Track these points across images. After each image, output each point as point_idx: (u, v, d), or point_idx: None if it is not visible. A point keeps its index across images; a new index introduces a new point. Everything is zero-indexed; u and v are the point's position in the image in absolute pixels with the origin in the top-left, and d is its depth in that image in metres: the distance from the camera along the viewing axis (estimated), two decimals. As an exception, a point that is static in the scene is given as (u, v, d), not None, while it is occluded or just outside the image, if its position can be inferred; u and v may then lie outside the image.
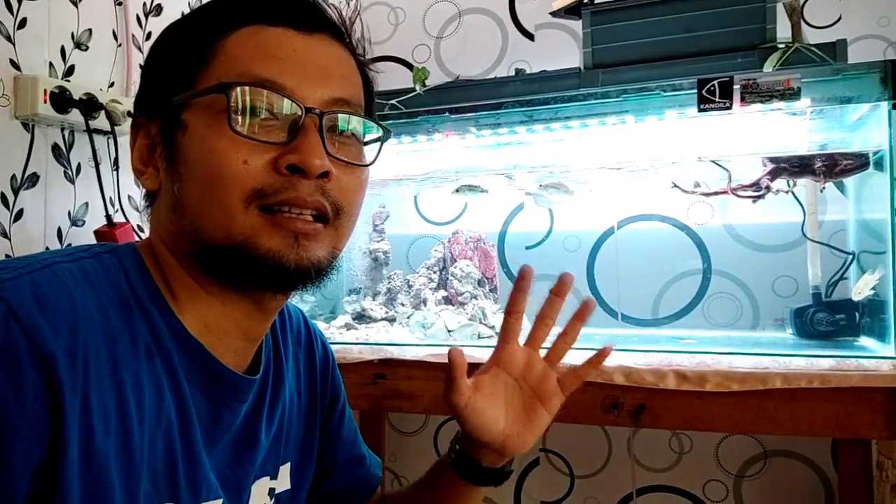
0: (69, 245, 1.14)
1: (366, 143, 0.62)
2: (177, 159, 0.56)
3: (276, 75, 0.55)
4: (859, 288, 1.22)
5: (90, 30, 1.19)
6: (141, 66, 0.64)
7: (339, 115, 0.59)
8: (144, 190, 0.61)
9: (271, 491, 0.68)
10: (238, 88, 0.54)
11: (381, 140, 0.63)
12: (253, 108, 0.54)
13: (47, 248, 1.11)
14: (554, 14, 1.46)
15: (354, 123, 0.60)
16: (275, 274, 0.55)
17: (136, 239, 1.12)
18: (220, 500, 0.59)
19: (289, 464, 0.71)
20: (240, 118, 0.54)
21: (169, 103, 0.56)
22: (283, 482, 0.70)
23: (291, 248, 0.55)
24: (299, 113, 0.55)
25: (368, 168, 0.62)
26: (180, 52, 0.58)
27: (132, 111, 0.62)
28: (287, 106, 0.55)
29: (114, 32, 1.25)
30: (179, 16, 0.65)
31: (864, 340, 1.22)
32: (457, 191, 1.51)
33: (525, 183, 1.53)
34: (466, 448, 0.72)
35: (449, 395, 0.68)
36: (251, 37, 0.56)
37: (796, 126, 1.27)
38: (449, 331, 1.36)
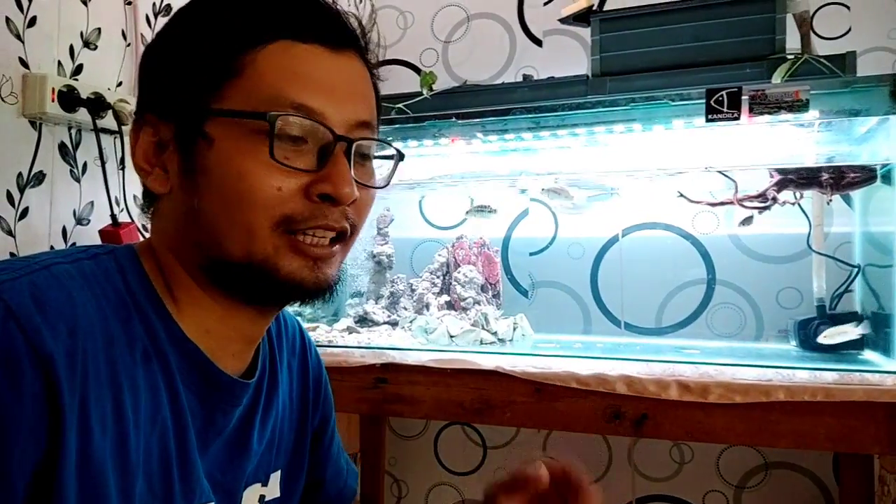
0: (73, 244, 1.15)
1: (374, 158, 0.63)
2: (197, 170, 0.55)
3: (309, 99, 0.55)
4: (832, 334, 1.22)
5: (99, 29, 1.19)
6: (147, 58, 0.62)
7: (366, 143, 0.60)
8: (144, 188, 0.60)
9: (261, 498, 0.67)
10: (283, 117, 0.53)
11: (395, 161, 0.65)
12: (290, 135, 0.54)
13: (52, 247, 1.11)
14: (563, 21, 1.46)
15: (375, 147, 0.62)
16: (293, 294, 0.57)
17: (141, 239, 1.12)
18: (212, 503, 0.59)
19: (279, 472, 0.70)
20: (280, 145, 0.54)
21: (188, 109, 0.55)
22: (273, 490, 0.69)
23: (311, 272, 0.56)
24: (331, 139, 0.56)
25: None
26: (201, 56, 0.56)
27: (136, 105, 0.61)
28: (320, 132, 0.55)
29: (123, 32, 1.25)
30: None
31: (869, 354, 1.21)
32: (468, 213, 1.54)
33: (533, 190, 1.53)
34: None
35: (501, 497, 0.63)
36: (283, 54, 0.55)
37: (804, 138, 1.26)
38: (451, 336, 1.35)
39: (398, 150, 0.64)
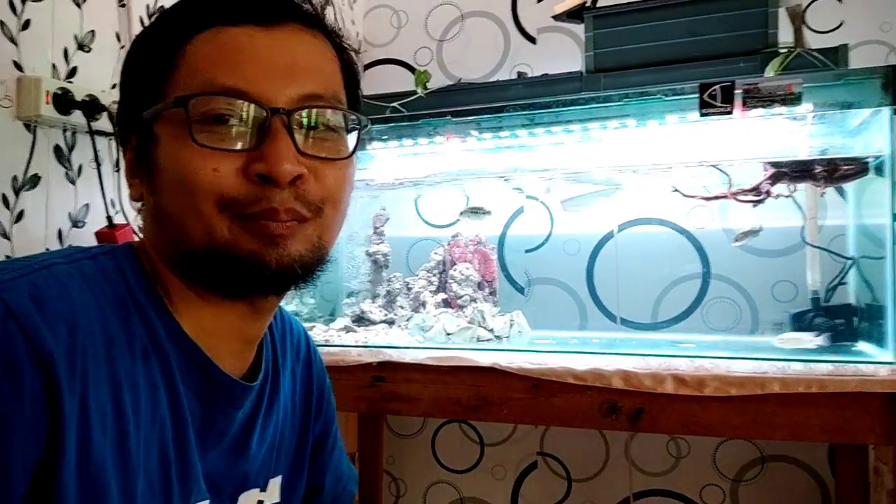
0: (70, 246, 1.15)
1: (349, 132, 0.60)
2: (152, 171, 0.56)
3: (238, 80, 0.53)
4: (787, 339, 1.24)
5: (93, 31, 1.19)
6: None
7: (310, 111, 0.56)
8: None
9: (259, 503, 0.67)
10: (194, 100, 0.53)
11: (360, 129, 0.61)
12: (217, 117, 0.53)
13: (48, 250, 1.11)
14: (556, 17, 1.46)
15: (330, 116, 0.58)
16: (257, 276, 0.55)
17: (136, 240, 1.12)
18: (207, 502, 0.59)
19: (280, 477, 0.70)
20: (205, 129, 0.53)
21: (141, 116, 0.56)
22: (272, 495, 0.69)
23: (269, 248, 0.54)
24: (265, 116, 0.54)
25: (353, 159, 0.61)
26: (147, 64, 0.57)
27: (118, 126, 0.63)
28: (252, 110, 0.54)
29: (117, 34, 1.25)
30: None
31: (863, 345, 1.22)
32: (462, 214, 1.54)
33: (528, 188, 1.54)
34: None
35: None
36: (210, 41, 0.55)
37: (797, 131, 1.27)
38: (448, 334, 1.36)
39: (360, 117, 0.61)
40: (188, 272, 0.56)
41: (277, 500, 0.70)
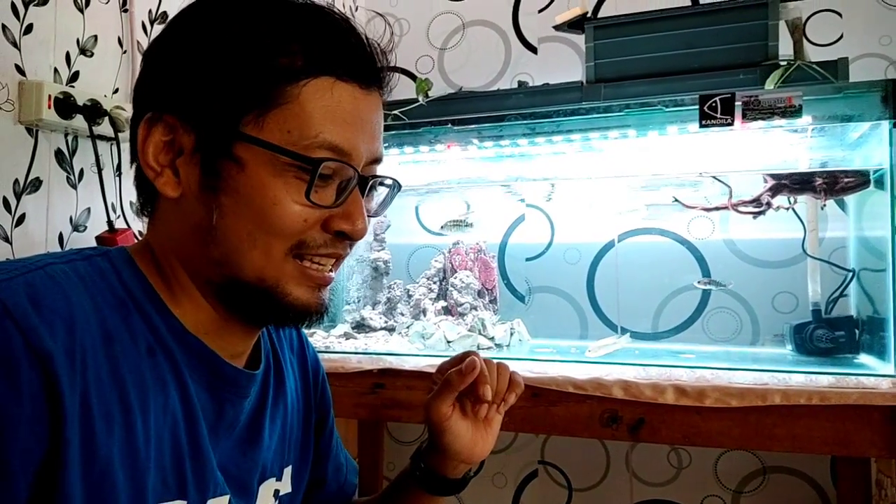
0: (64, 249, 1.14)
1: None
2: (220, 188, 0.55)
3: (343, 140, 0.56)
4: (595, 348, 1.27)
5: (95, 36, 1.20)
6: (174, 54, 0.57)
7: (376, 179, 0.62)
8: (141, 186, 0.59)
9: (276, 493, 0.68)
10: (326, 164, 0.55)
11: (392, 190, 0.66)
12: (323, 176, 0.56)
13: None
14: (557, 28, 1.47)
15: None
16: (300, 318, 0.59)
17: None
18: (227, 497, 0.59)
19: (290, 467, 0.71)
20: (317, 187, 0.55)
21: (221, 126, 0.54)
22: (286, 484, 0.70)
23: (316, 298, 0.59)
24: (352, 176, 0.58)
25: None
26: (243, 79, 0.54)
27: (142, 100, 0.58)
28: (347, 171, 0.57)
29: (119, 39, 1.25)
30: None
31: (864, 358, 1.22)
32: (443, 228, 1.55)
33: (529, 196, 1.54)
34: (432, 463, 0.76)
35: (437, 405, 0.72)
36: (325, 92, 0.55)
37: (797, 143, 1.27)
38: (448, 341, 1.35)
39: (396, 181, 0.66)
40: (226, 297, 0.58)
41: (290, 489, 0.71)
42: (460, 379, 0.70)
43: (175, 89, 0.56)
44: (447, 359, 0.76)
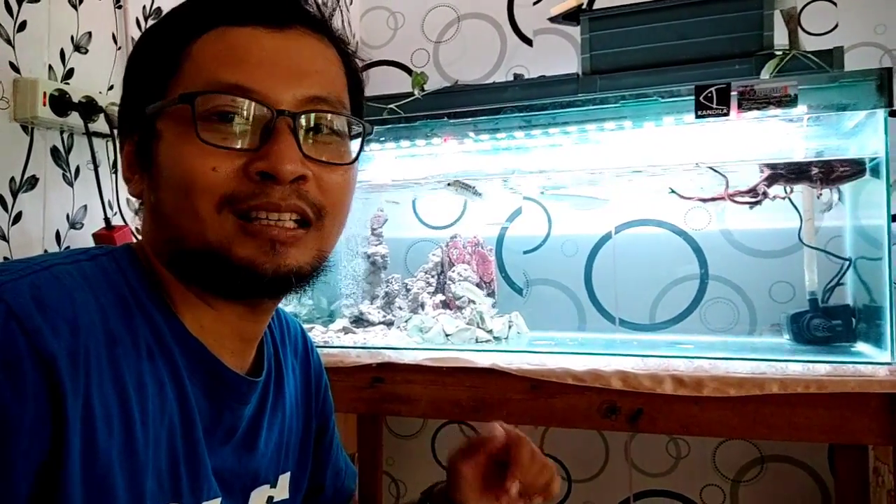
0: (68, 248, 1.14)
1: (352, 138, 0.61)
2: (152, 168, 0.56)
3: (243, 79, 0.54)
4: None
5: (90, 33, 1.19)
6: (124, 78, 0.62)
7: (315, 115, 0.57)
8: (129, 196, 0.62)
9: (270, 499, 0.67)
10: (201, 97, 0.53)
11: (363, 136, 0.61)
12: (221, 115, 0.53)
13: (45, 251, 1.11)
14: (552, 20, 1.46)
15: (334, 121, 0.58)
16: (251, 282, 0.54)
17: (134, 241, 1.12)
18: (219, 500, 0.58)
19: (288, 473, 0.70)
20: (208, 126, 0.53)
21: (144, 113, 0.56)
22: (281, 491, 0.69)
23: (267, 256, 0.54)
24: (270, 116, 0.54)
25: (355, 165, 0.61)
26: (152, 61, 0.57)
27: (118, 120, 0.63)
28: (256, 109, 0.54)
29: (113, 35, 1.25)
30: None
31: (861, 346, 1.23)
32: (449, 184, 1.47)
33: (526, 189, 1.54)
34: None
35: (463, 463, 0.69)
36: (217, 41, 0.55)
37: (793, 133, 1.27)
38: (446, 335, 1.36)
39: (363, 123, 0.61)
40: (183, 272, 0.56)
41: (287, 496, 0.70)
42: (491, 445, 0.67)
43: (126, 102, 0.60)
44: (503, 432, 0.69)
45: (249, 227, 0.53)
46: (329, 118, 0.58)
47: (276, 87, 0.54)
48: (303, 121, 0.56)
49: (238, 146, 0.54)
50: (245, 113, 0.54)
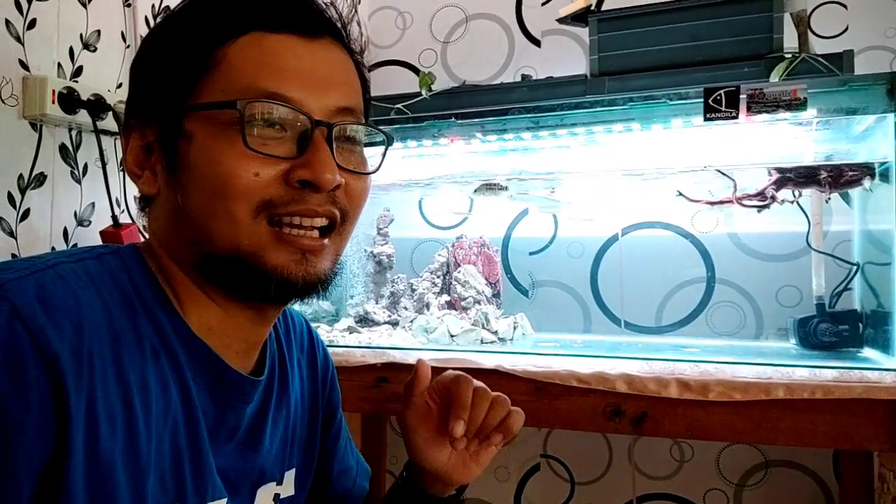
0: (75, 245, 1.15)
1: (366, 146, 0.63)
2: (179, 167, 0.56)
3: (283, 88, 0.55)
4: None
5: (99, 31, 1.20)
6: (133, 66, 0.62)
7: (348, 126, 0.59)
8: (139, 193, 0.61)
9: (276, 497, 0.68)
10: (251, 104, 0.53)
11: (385, 146, 0.64)
12: (264, 122, 0.54)
13: (53, 248, 1.11)
14: (561, 21, 1.46)
15: (360, 131, 0.61)
16: (282, 289, 0.56)
17: (142, 239, 1.12)
18: (224, 500, 0.59)
19: (294, 470, 0.71)
20: (254, 133, 0.54)
21: (167, 109, 0.56)
22: (287, 488, 0.70)
23: (299, 265, 0.56)
24: (309, 126, 0.55)
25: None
26: (177, 57, 0.57)
27: (126, 114, 0.62)
28: (297, 119, 0.55)
29: (122, 34, 1.25)
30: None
31: (868, 352, 1.22)
32: (476, 191, 1.49)
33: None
34: (413, 474, 0.74)
35: (404, 413, 0.71)
36: (254, 46, 0.55)
37: (802, 136, 1.27)
38: (452, 336, 1.35)
39: (387, 134, 0.64)
40: (207, 273, 0.57)
41: (293, 492, 0.70)
42: (409, 386, 0.69)
43: (136, 94, 0.60)
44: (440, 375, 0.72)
45: (282, 235, 0.55)
46: (357, 128, 0.60)
47: (311, 96, 0.56)
48: (336, 131, 0.57)
49: (279, 154, 0.55)
50: (285, 121, 0.55)
